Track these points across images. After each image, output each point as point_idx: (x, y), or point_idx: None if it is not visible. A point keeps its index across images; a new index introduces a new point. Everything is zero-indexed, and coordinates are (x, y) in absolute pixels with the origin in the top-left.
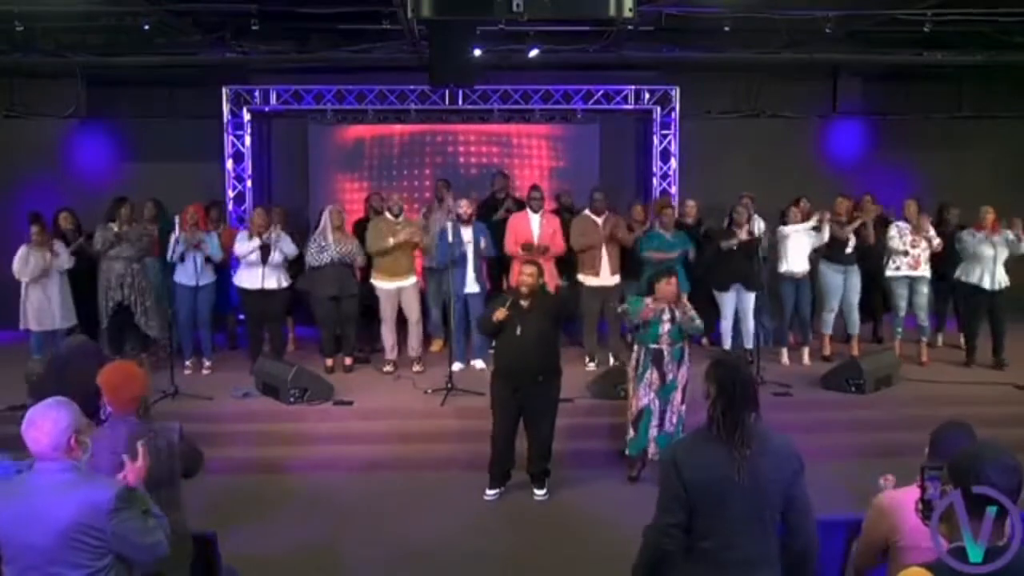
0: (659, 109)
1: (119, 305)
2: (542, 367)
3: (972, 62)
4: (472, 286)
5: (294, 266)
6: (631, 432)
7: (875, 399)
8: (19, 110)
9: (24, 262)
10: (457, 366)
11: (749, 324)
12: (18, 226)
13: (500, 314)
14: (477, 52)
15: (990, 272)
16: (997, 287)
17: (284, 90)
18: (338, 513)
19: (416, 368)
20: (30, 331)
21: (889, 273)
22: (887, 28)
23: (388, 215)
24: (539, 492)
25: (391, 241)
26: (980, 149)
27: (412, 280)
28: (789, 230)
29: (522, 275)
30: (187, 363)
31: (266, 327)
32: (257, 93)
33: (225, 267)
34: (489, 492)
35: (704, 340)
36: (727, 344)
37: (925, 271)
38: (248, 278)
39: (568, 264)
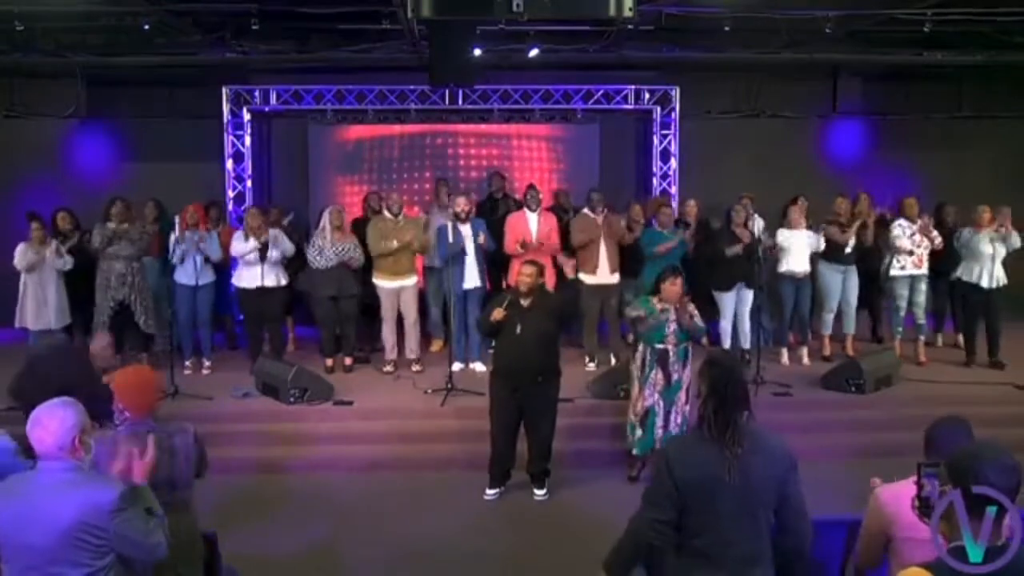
0: (659, 109)
1: (120, 304)
2: (542, 367)
3: (972, 62)
4: (473, 281)
5: (293, 264)
6: (639, 432)
7: (875, 399)
8: (19, 110)
9: (23, 256)
10: (457, 366)
11: (746, 324)
12: (18, 226)
13: (498, 314)
14: (477, 52)
15: (988, 271)
16: (994, 285)
17: (284, 90)
18: (338, 513)
19: (415, 368)
20: (27, 329)
21: (893, 272)
22: (887, 28)
23: (387, 214)
24: (539, 492)
25: (394, 243)
26: (980, 149)
27: (413, 280)
28: (785, 238)
29: (521, 274)
30: (187, 363)
31: (266, 327)
32: (257, 93)
33: (225, 267)
34: (489, 492)
35: (704, 340)
36: (726, 344)
37: (926, 269)
38: (247, 277)
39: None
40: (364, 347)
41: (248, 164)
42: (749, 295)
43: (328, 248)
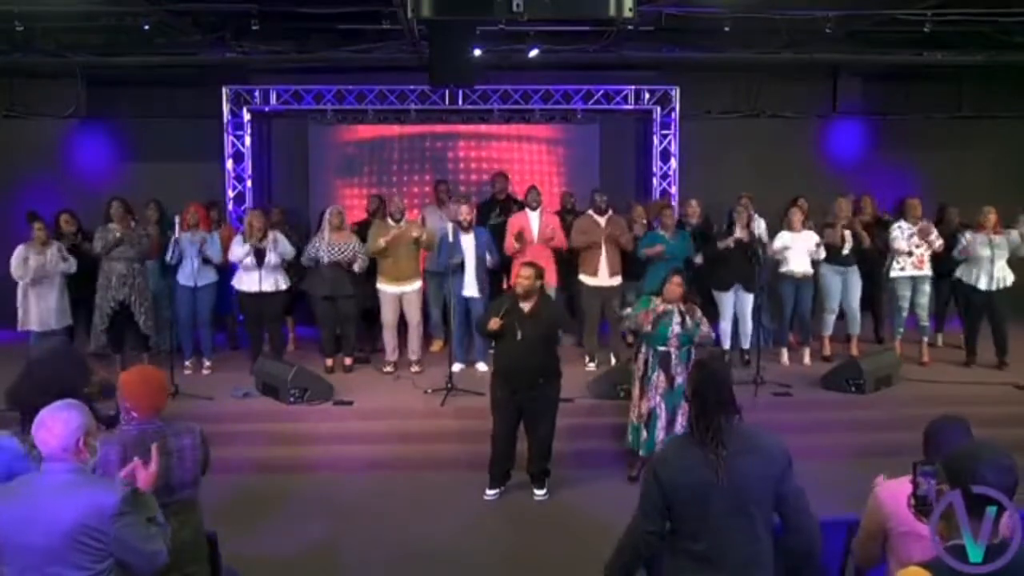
0: (659, 109)
1: (120, 305)
2: (542, 369)
3: (972, 62)
4: (472, 290)
5: (295, 266)
6: (643, 433)
7: (875, 399)
8: (19, 110)
9: (22, 262)
10: (457, 366)
11: (747, 325)
12: (18, 226)
13: (494, 324)
14: (477, 52)
15: (987, 272)
16: (995, 287)
17: (284, 90)
18: (338, 513)
19: (415, 368)
20: (30, 331)
21: (893, 273)
22: (887, 28)
23: (390, 221)
24: (539, 492)
25: (381, 242)
26: (980, 149)
27: (416, 285)
28: (785, 242)
29: (519, 276)
30: (187, 363)
31: (266, 327)
32: (257, 93)
33: (227, 267)
34: (489, 492)
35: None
36: (726, 345)
37: (928, 270)
38: (246, 281)
39: (568, 265)
40: (364, 347)
41: (248, 164)
42: (749, 297)
43: (324, 248)
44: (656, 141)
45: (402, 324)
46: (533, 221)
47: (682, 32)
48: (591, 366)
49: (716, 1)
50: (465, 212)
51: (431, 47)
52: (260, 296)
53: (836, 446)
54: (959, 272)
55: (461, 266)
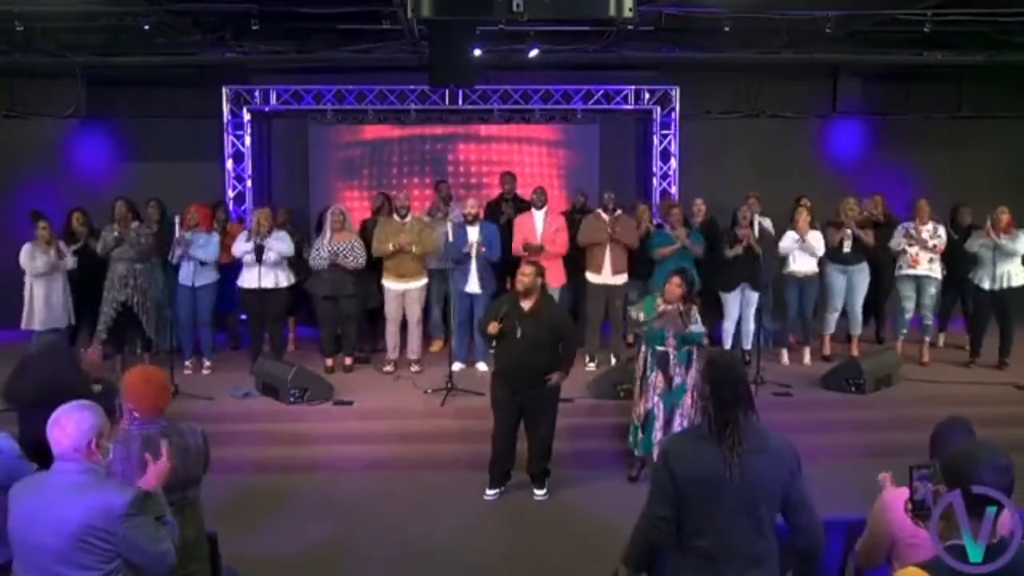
0: (659, 109)
1: (123, 305)
2: (542, 369)
3: (972, 62)
4: (474, 287)
5: (297, 265)
6: (640, 433)
7: (875, 399)
8: (19, 110)
9: (31, 258)
10: (457, 366)
11: (750, 325)
12: (18, 226)
13: (493, 328)
14: (477, 52)
15: (989, 273)
16: (999, 287)
17: (284, 90)
18: (338, 513)
19: (415, 368)
20: (33, 331)
21: (898, 273)
22: (887, 28)
23: (396, 217)
24: (539, 492)
25: (390, 247)
26: (980, 149)
27: (421, 282)
28: (789, 245)
29: (520, 274)
30: (187, 363)
31: (267, 327)
32: (257, 93)
33: (230, 264)
34: (489, 492)
35: (705, 341)
36: (728, 344)
37: (929, 270)
38: (247, 278)
39: (574, 263)
40: (364, 347)
41: (248, 164)
42: (754, 296)
43: (324, 248)
44: (656, 141)
45: (402, 323)
46: (538, 221)
47: (682, 32)
48: (591, 366)
49: (716, 1)
50: (472, 204)
51: (431, 47)
52: (261, 293)
53: (836, 446)
54: (970, 272)
55: (465, 260)
